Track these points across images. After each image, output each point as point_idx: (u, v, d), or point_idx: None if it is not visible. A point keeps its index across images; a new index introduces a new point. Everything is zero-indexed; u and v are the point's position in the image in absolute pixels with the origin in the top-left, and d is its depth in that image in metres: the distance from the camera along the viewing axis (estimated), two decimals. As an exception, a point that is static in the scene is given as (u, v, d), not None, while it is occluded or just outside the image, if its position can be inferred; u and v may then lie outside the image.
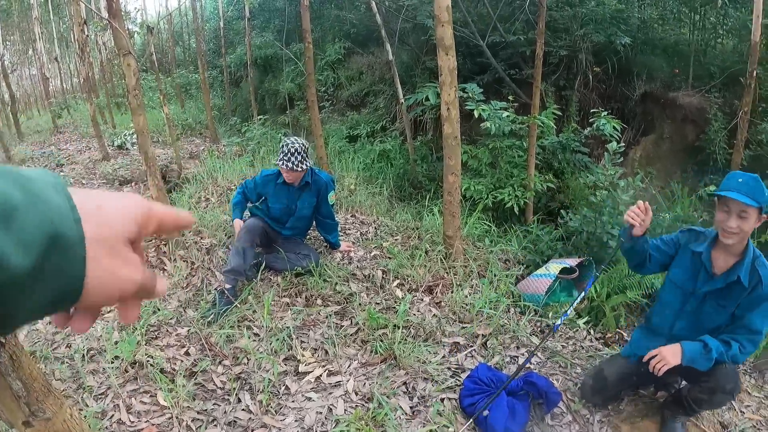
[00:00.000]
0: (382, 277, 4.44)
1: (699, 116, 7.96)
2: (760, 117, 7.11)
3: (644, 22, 9.37)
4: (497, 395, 2.92)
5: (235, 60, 14.78)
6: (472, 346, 3.67)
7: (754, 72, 4.23)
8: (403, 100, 8.08)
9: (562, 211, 5.77)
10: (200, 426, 2.85)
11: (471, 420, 2.93)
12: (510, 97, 6.81)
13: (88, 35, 11.48)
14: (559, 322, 3.24)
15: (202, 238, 4.89)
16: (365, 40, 11.77)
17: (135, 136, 10.12)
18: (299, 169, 4.13)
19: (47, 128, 13.91)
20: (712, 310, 2.76)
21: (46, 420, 1.49)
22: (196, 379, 3.20)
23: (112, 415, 2.87)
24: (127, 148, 10.43)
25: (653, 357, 2.66)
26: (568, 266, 4.48)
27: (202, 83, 12.57)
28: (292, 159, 4.10)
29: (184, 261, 4.54)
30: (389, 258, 4.71)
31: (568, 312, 3.27)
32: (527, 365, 3.48)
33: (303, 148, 4.15)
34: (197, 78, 16.25)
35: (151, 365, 3.21)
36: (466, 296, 4.20)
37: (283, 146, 4.14)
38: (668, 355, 2.60)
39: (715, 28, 9.58)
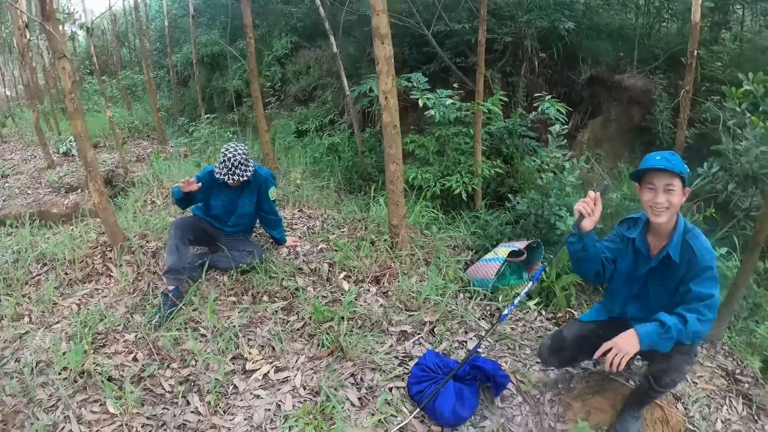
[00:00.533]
0: (329, 270, 4.44)
1: (644, 97, 8.12)
2: (704, 96, 7.25)
3: (589, 7, 9.52)
4: (445, 384, 2.95)
5: (182, 59, 14.55)
6: (419, 334, 3.70)
7: (695, 52, 4.34)
8: (348, 93, 8.09)
9: (509, 195, 5.85)
10: (150, 431, 2.83)
11: (419, 408, 2.96)
12: (455, 85, 6.85)
13: (30, 39, 11.18)
14: (506, 311, 3.30)
15: (147, 241, 4.82)
16: (312, 34, 11.70)
17: (77, 141, 10.00)
18: (244, 178, 4.16)
19: (-9, 138, 13.60)
20: (656, 290, 2.83)
21: None
22: (144, 384, 3.16)
23: (63, 427, 2.84)
24: (73, 155, 10.22)
25: (609, 351, 2.56)
26: (516, 249, 4.54)
27: (147, 84, 12.37)
28: (237, 173, 4.11)
29: (130, 266, 4.48)
30: (335, 251, 4.71)
31: (516, 302, 3.31)
32: (467, 347, 3.56)
33: (244, 158, 4.15)
34: (143, 79, 15.99)
35: (99, 374, 3.18)
36: (414, 284, 4.23)
37: (224, 159, 4.12)
38: (625, 346, 2.51)
39: (659, 12, 9.72)
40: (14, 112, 16.85)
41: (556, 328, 3.95)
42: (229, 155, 4.08)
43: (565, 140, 5.49)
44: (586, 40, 8.98)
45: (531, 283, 3.34)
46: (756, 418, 3.38)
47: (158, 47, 17.28)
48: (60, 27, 4.19)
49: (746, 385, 3.63)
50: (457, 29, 8.35)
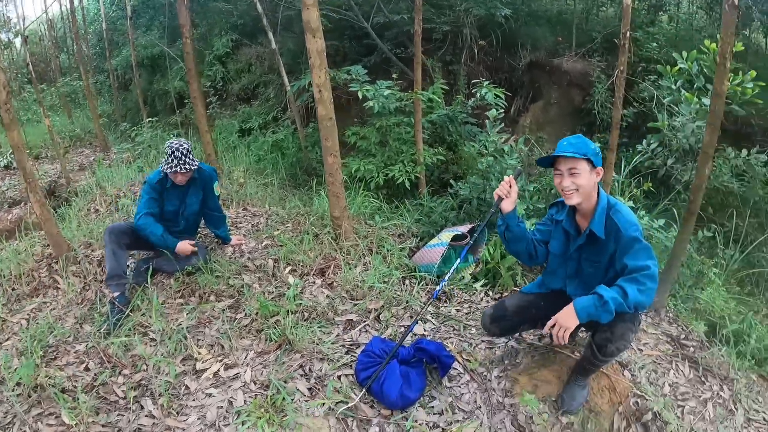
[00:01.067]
0: (274, 266, 4.49)
1: (583, 80, 8.34)
2: (641, 76, 7.51)
3: (527, -7, 9.74)
4: (386, 364, 3.05)
5: (122, 62, 14.21)
6: (365, 321, 3.79)
7: (627, 33, 4.49)
8: (289, 88, 8.12)
9: (452, 181, 5.97)
10: (106, 438, 2.87)
11: (363, 390, 3.05)
12: (394, 76, 6.93)
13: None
14: (438, 288, 3.43)
15: (92, 250, 4.79)
16: (252, 31, 11.59)
17: (14, 153, 9.79)
18: (194, 167, 4.19)
19: (-75, 156, 13.16)
20: (589, 267, 2.96)
21: None
22: (97, 392, 3.17)
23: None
24: (14, 168, 10.00)
25: (552, 328, 2.69)
26: (459, 233, 4.66)
27: (86, 90, 12.15)
28: (186, 161, 4.13)
29: (76, 276, 4.45)
30: (280, 246, 4.76)
31: (446, 279, 3.45)
32: (412, 331, 3.65)
33: (190, 147, 4.19)
34: (83, 85, 15.69)
35: (52, 386, 3.16)
36: (358, 274, 4.31)
37: (171, 151, 4.13)
38: (564, 321, 2.64)
39: (595, -4, 10.06)
40: (-50, 128, 16.37)
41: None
42: (175, 146, 4.12)
43: (504, 125, 5.64)
44: (525, 26, 9.15)
45: (458, 260, 3.50)
46: (703, 379, 3.54)
47: (97, 51, 16.93)
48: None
49: (692, 349, 3.80)
50: (396, 20, 8.44)
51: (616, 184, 5.85)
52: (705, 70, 5.12)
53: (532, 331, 3.67)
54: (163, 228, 4.18)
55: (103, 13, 14.13)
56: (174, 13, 11.23)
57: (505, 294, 4.36)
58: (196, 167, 4.24)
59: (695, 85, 5.36)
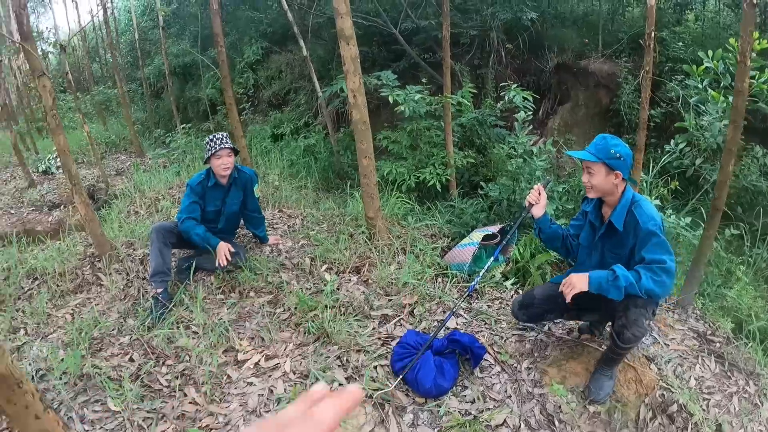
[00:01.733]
0: (311, 264, 4.64)
1: (611, 81, 8.32)
2: (668, 76, 7.49)
3: (553, -5, 9.78)
4: (421, 354, 3.17)
5: (154, 71, 14.55)
6: (400, 316, 3.91)
7: (652, 33, 4.54)
8: (320, 94, 8.26)
9: (482, 183, 6.05)
10: (151, 424, 2.97)
11: (399, 378, 3.16)
12: (423, 80, 7.03)
13: (1, 60, 11.20)
14: (473, 284, 3.53)
15: (134, 249, 4.98)
16: (282, 39, 11.78)
17: (59, 159, 10.05)
18: (234, 148, 4.42)
19: (-32, 162, 13.55)
20: (611, 258, 3.05)
21: None
22: (142, 381, 3.31)
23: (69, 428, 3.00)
24: (52, 173, 10.26)
25: (564, 285, 2.88)
26: (490, 233, 4.75)
27: (120, 98, 12.43)
28: (224, 138, 4.36)
29: (119, 274, 4.63)
30: (316, 245, 4.91)
31: (480, 276, 3.57)
32: (447, 324, 3.75)
33: (228, 135, 4.42)
34: (117, 93, 16.00)
35: (98, 375, 3.32)
36: (393, 272, 4.43)
37: (210, 138, 4.38)
38: (576, 281, 2.83)
39: (621, -2, 10.04)
40: (-11, 134, 16.80)
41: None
42: (212, 135, 4.40)
43: (533, 127, 5.70)
44: (552, 28, 9.20)
45: (492, 258, 3.64)
46: (729, 374, 3.56)
47: (129, 60, 17.27)
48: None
49: (718, 345, 3.82)
50: (424, 26, 8.55)
51: (645, 184, 5.87)
52: (731, 68, 5.13)
53: (561, 324, 3.78)
54: (204, 228, 4.32)
55: (135, 23, 14.43)
56: (205, 23, 11.46)
57: (535, 291, 4.44)
58: (235, 152, 4.47)
59: (721, 84, 5.37)
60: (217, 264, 4.16)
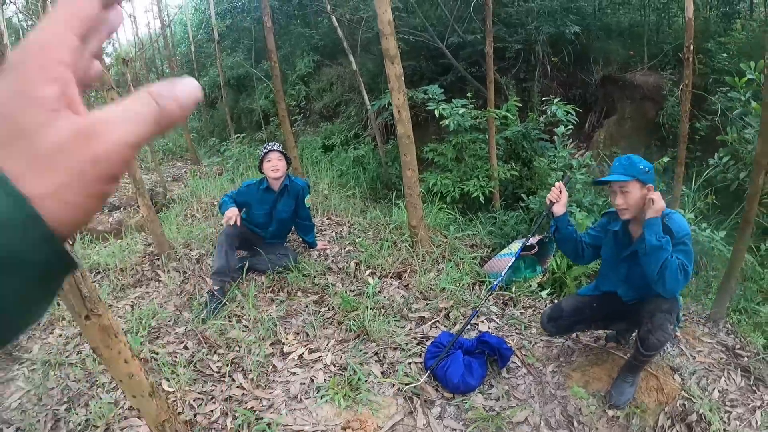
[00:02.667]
0: (355, 268, 4.90)
1: (656, 93, 8.30)
2: (713, 88, 7.42)
3: (598, 8, 9.79)
4: (448, 349, 3.40)
5: (209, 82, 14.93)
6: (436, 318, 4.13)
7: (691, 47, 4.63)
8: (369, 107, 8.50)
9: (523, 195, 6.19)
10: (201, 404, 3.25)
11: (428, 372, 3.39)
12: (469, 94, 7.19)
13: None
14: (497, 281, 3.73)
15: (191, 250, 5.32)
16: (333, 52, 12.01)
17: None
18: (284, 153, 4.73)
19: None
20: (641, 271, 3.13)
21: (99, 316, 2.13)
22: (194, 366, 3.61)
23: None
24: (110, 177, 10.72)
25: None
26: (528, 244, 4.91)
27: (178, 108, 12.83)
28: (276, 146, 4.71)
29: (176, 271, 4.95)
30: (361, 251, 5.17)
31: (504, 274, 3.76)
32: (479, 328, 3.99)
33: (280, 144, 4.76)
34: (173, 104, 16.47)
35: (154, 359, 3.63)
36: (432, 278, 4.66)
37: (262, 148, 4.76)
38: (658, 200, 2.90)
39: (666, 8, 9.96)
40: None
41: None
42: (266, 145, 4.78)
43: (579, 140, 5.77)
44: (597, 41, 9.22)
45: (517, 253, 3.87)
46: (755, 389, 3.58)
47: (185, 72, 17.78)
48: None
49: (746, 359, 3.84)
50: (470, 40, 8.69)
51: (686, 198, 5.90)
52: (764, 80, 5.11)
53: (588, 332, 3.92)
54: (228, 200, 4.68)
55: (191, 36, 14.93)
56: (258, 36, 11.77)
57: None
58: (287, 159, 4.76)
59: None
60: (224, 223, 4.45)
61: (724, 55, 7.80)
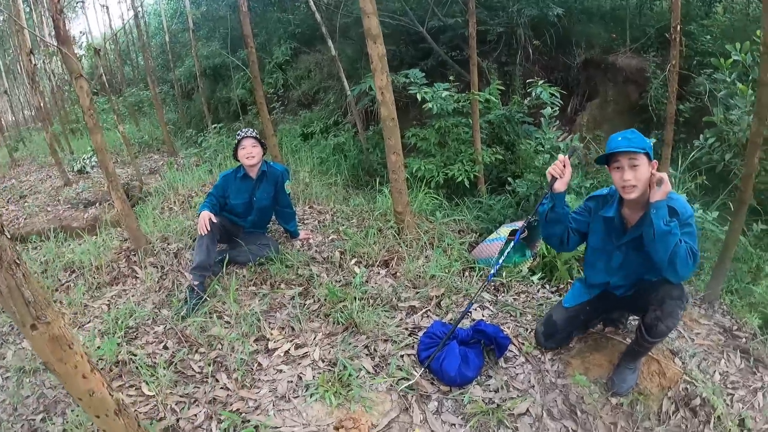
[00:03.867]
0: (340, 258, 4.74)
1: (639, 76, 8.21)
2: (697, 70, 7.39)
3: (580, -9, 9.70)
4: (444, 342, 3.24)
5: (185, 72, 14.79)
6: (426, 308, 3.99)
7: (678, 27, 4.54)
8: (349, 93, 8.34)
9: (510, 179, 6.08)
10: (183, 407, 3.09)
11: (424, 367, 3.24)
12: (451, 78, 7.08)
13: (36, 64, 11.46)
14: (492, 271, 3.56)
15: (168, 244, 5.11)
16: (311, 39, 11.89)
17: (94, 158, 10.27)
18: (259, 139, 4.56)
19: (4, 162, 13.76)
20: (639, 257, 3.02)
21: (47, 324, 1.87)
22: (175, 367, 3.43)
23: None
24: (87, 172, 10.50)
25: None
26: (517, 228, 4.78)
27: (153, 99, 12.65)
28: (249, 132, 4.54)
29: (154, 267, 4.76)
30: (346, 240, 5.01)
31: (500, 262, 3.61)
32: (473, 316, 3.86)
33: (255, 131, 4.58)
34: (149, 95, 16.26)
35: (133, 362, 3.45)
36: (420, 265, 4.50)
37: (236, 135, 4.59)
38: (666, 183, 2.66)
39: (650, -10, 9.90)
40: (24, 136, 17.19)
41: (559, 298, 4.12)
42: (242, 129, 4.62)
43: (561, 123, 5.69)
44: (579, 24, 9.12)
45: (516, 239, 3.68)
46: (755, 370, 3.54)
47: (160, 63, 17.57)
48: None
49: (744, 340, 3.79)
50: (450, 23, 8.58)
51: (673, 179, 5.83)
52: (759, 61, 5.08)
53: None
54: (205, 204, 4.49)
55: (165, 26, 14.68)
56: (234, 24, 11.61)
57: (561, 286, 4.46)
58: (262, 145, 4.61)
59: (750, 77, 5.31)
60: (198, 232, 4.25)
61: (708, 37, 7.78)
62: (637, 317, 3.40)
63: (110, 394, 2.12)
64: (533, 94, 6.17)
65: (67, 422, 2.98)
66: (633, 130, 2.85)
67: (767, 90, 3.58)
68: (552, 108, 5.77)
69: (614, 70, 8.47)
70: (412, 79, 6.68)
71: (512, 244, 3.65)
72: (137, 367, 3.38)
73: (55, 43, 4.37)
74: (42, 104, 10.80)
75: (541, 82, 6.14)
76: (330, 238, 5.18)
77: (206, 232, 4.21)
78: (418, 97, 6.36)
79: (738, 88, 5.43)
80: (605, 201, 3.13)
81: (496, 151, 6.71)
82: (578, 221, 3.24)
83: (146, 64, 13.66)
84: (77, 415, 2.98)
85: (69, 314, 4.19)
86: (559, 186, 3.03)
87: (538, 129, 6.74)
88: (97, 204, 8.31)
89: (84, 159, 10.83)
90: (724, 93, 5.83)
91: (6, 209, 8.80)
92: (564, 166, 3.01)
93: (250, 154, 4.48)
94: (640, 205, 2.91)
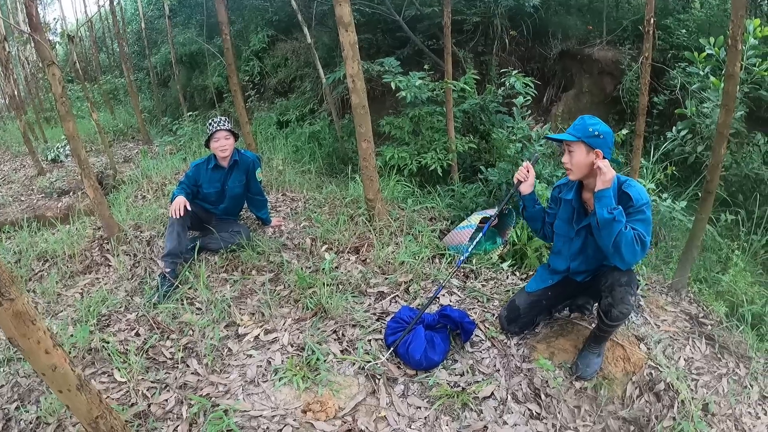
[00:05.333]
0: (311, 244, 4.77)
1: (615, 68, 8.31)
2: (671, 63, 7.50)
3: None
4: (412, 327, 3.30)
5: (161, 60, 14.63)
6: (395, 293, 4.04)
7: (652, 20, 4.62)
8: (324, 80, 8.34)
9: (482, 167, 6.14)
10: (155, 393, 3.11)
11: (390, 350, 3.30)
12: (426, 67, 7.10)
13: (9, 52, 11.30)
14: (462, 257, 3.64)
15: (141, 231, 5.11)
16: (288, 27, 11.78)
17: (68, 147, 10.17)
18: (232, 131, 4.55)
19: (-23, 152, 13.68)
20: (595, 242, 3.10)
21: (11, 300, 1.89)
22: (147, 354, 3.46)
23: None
24: (61, 161, 10.39)
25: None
26: (488, 216, 4.85)
27: (129, 87, 12.53)
28: (223, 121, 4.51)
29: (127, 255, 4.76)
30: (317, 227, 5.04)
31: (470, 250, 3.67)
32: (441, 302, 3.92)
33: (228, 120, 4.56)
34: (124, 82, 16.08)
35: (105, 349, 3.46)
36: (390, 252, 4.55)
37: (209, 123, 4.57)
38: (609, 173, 2.81)
39: (626, -16, 9.96)
40: (-5, 125, 16.92)
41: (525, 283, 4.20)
42: (211, 119, 4.58)
43: (537, 114, 5.75)
44: (556, 15, 9.14)
45: (485, 228, 3.73)
46: (719, 356, 3.67)
47: (136, 50, 17.36)
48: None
49: (709, 327, 3.91)
50: (427, 13, 8.60)
51: (645, 170, 5.94)
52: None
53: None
54: (179, 191, 4.46)
55: (141, 13, 14.51)
56: (210, 11, 11.52)
57: (531, 273, 4.51)
58: (235, 136, 4.60)
59: (723, 71, 5.42)
60: (171, 215, 4.25)
61: (683, 31, 7.89)
62: (595, 302, 3.50)
63: (72, 369, 2.15)
64: (507, 84, 6.22)
65: (41, 410, 2.99)
66: (585, 117, 3.00)
67: (734, 81, 3.68)
68: (525, 98, 5.83)
69: (590, 61, 8.55)
70: (387, 68, 6.69)
71: (482, 232, 3.71)
72: (109, 354, 3.39)
73: (28, 30, 4.35)
74: (15, 92, 10.68)
75: (515, 72, 6.19)
76: (302, 225, 5.21)
77: (179, 216, 4.22)
78: (393, 85, 6.37)
79: (711, 81, 5.55)
80: (567, 186, 3.26)
81: (470, 140, 6.75)
82: (551, 215, 3.42)
83: (121, 51, 13.48)
84: (50, 403, 2.99)
85: (42, 303, 4.19)
86: (525, 188, 3.31)
87: (512, 118, 6.81)
88: (71, 193, 8.25)
89: (58, 148, 10.71)
90: (697, 86, 5.95)
91: (-21, 200, 8.71)
92: (528, 171, 3.27)
93: (223, 146, 4.50)
94: (593, 189, 3.00)
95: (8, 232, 5.90)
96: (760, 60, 5.25)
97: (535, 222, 3.47)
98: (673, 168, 5.97)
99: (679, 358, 3.54)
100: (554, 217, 3.39)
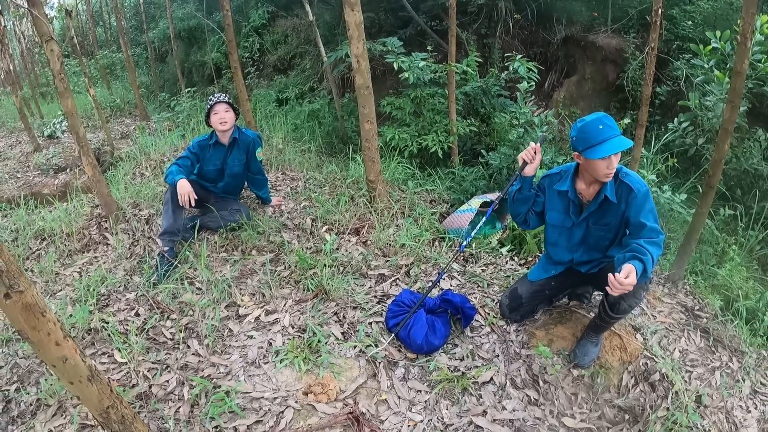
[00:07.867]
0: (312, 225, 4.75)
1: (618, 56, 8.23)
2: (676, 54, 7.43)
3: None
4: (414, 311, 3.30)
5: (159, 35, 14.48)
6: (396, 276, 4.04)
7: (659, 10, 4.57)
8: (326, 59, 8.28)
9: (483, 151, 6.12)
10: (156, 374, 3.12)
11: (392, 335, 3.31)
12: (429, 48, 7.03)
13: (5, 26, 11.17)
14: (464, 243, 3.61)
15: (140, 209, 5.08)
16: (288, 3, 11.64)
17: (64, 123, 10.10)
18: (233, 105, 4.50)
19: (-28, 128, 13.57)
20: (598, 231, 3.10)
21: (20, 293, 1.83)
22: (147, 334, 3.47)
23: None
24: (57, 137, 10.32)
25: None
26: (488, 200, 4.84)
27: (126, 62, 12.43)
28: (222, 97, 4.47)
29: (125, 233, 4.73)
30: (317, 207, 5.01)
31: (472, 235, 3.64)
32: (441, 286, 3.92)
33: (228, 95, 4.51)
34: (121, 57, 15.94)
35: (105, 329, 3.46)
36: (391, 234, 4.54)
37: (208, 100, 4.52)
38: (628, 283, 2.50)
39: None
40: (-9, 101, 16.77)
41: (526, 270, 4.21)
42: (214, 94, 4.53)
43: (538, 99, 5.71)
44: (561, 0, 9.13)
45: (489, 211, 3.70)
46: (713, 349, 3.68)
47: (133, 25, 17.20)
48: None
49: (705, 320, 3.92)
50: (432, -8, 8.49)
51: (645, 160, 5.92)
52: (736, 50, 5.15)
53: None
54: (178, 170, 4.34)
55: (139, -14, 14.39)
56: (211, -14, 11.38)
57: (530, 259, 4.52)
58: (235, 111, 4.55)
59: (728, 65, 5.39)
60: (180, 203, 4.16)
61: (689, 23, 7.79)
62: (601, 293, 3.47)
63: (83, 360, 2.13)
64: (511, 68, 6.17)
65: (41, 391, 3.00)
66: (609, 117, 2.83)
67: (741, 79, 3.65)
68: (528, 83, 5.79)
69: (593, 48, 8.47)
70: (390, 48, 6.62)
71: (486, 216, 3.68)
72: (109, 335, 3.40)
73: (26, 5, 4.28)
74: (11, 67, 10.58)
75: (519, 56, 6.14)
76: (302, 204, 5.18)
77: (189, 207, 4.20)
78: (395, 66, 6.31)
79: (715, 75, 5.51)
80: (559, 177, 3.20)
81: (471, 122, 6.71)
82: (539, 203, 3.33)
83: (119, 26, 13.37)
84: (51, 384, 3.00)
85: (40, 283, 4.17)
86: (529, 170, 3.15)
87: (514, 103, 6.76)
88: (68, 170, 8.21)
89: (54, 124, 10.65)
90: (700, 79, 5.91)
91: (-25, 177, 8.66)
92: (535, 152, 3.13)
93: (223, 119, 4.44)
94: (593, 178, 2.98)
95: (5, 209, 5.87)
96: (766, 56, 5.21)
97: (522, 205, 3.30)
98: (674, 160, 5.95)
99: (674, 350, 3.55)
100: (539, 206, 3.31)
